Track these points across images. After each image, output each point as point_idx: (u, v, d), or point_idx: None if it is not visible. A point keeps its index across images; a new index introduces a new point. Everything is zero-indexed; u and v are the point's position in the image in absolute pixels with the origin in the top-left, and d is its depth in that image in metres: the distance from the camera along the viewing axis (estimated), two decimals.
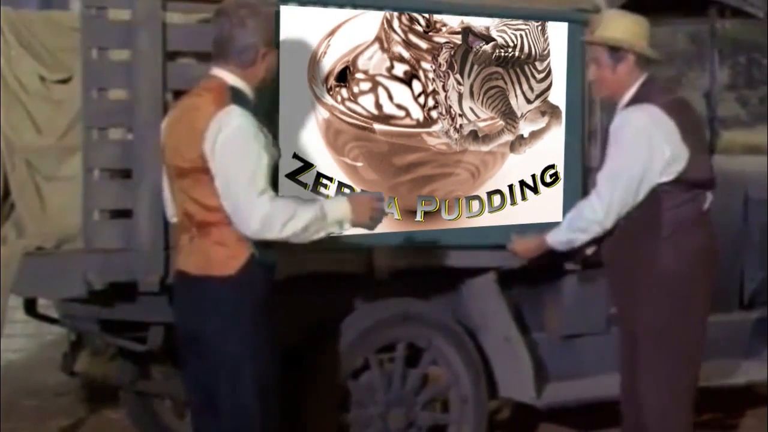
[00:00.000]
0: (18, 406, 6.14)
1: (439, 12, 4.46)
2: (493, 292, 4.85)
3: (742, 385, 5.59)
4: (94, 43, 4.12)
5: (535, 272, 4.82)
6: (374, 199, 3.66)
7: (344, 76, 4.31)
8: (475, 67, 4.56)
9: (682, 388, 4.20)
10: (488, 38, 4.54)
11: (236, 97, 3.53)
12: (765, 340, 5.64)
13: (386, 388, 4.68)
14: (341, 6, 4.28)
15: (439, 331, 4.76)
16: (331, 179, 4.31)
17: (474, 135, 4.56)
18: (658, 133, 4.09)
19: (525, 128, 4.68)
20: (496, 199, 4.65)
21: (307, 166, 4.26)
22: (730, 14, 5.44)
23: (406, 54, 4.41)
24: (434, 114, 4.47)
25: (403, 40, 4.40)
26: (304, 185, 4.25)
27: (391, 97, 4.40)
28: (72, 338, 5.12)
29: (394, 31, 4.38)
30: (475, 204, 4.62)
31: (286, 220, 3.45)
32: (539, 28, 4.65)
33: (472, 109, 4.55)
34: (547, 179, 4.72)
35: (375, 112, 4.37)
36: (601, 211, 4.12)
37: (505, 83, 4.63)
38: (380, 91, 4.38)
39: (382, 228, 4.30)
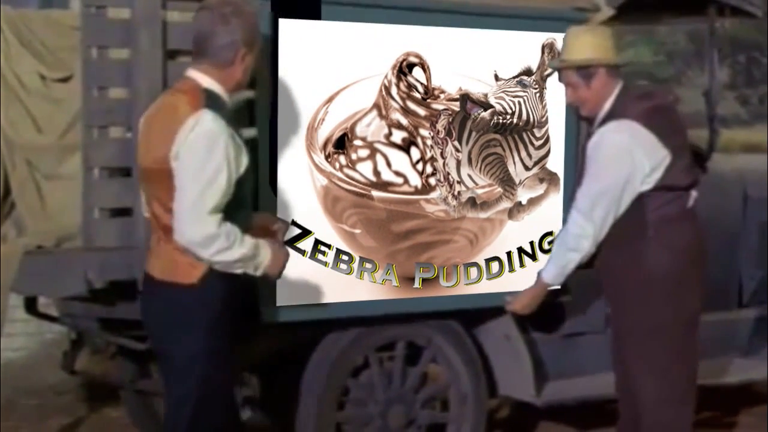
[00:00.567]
0: (18, 404, 6.15)
1: (440, 11, 4.45)
2: None
3: (742, 384, 5.60)
4: (94, 41, 4.13)
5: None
6: (287, 257, 3.70)
7: (342, 142, 4.30)
8: (474, 134, 4.55)
9: (677, 385, 4.21)
10: (486, 105, 4.54)
11: (210, 100, 3.49)
12: (764, 339, 5.65)
13: (386, 387, 4.68)
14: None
15: (439, 330, 4.76)
16: (329, 246, 4.30)
17: (472, 202, 4.56)
18: (637, 150, 4.09)
19: (523, 195, 4.68)
20: (495, 266, 4.65)
21: (306, 233, 4.26)
22: (729, 13, 5.44)
23: (404, 121, 4.40)
24: (432, 181, 4.47)
25: (401, 106, 4.39)
26: (303, 252, 4.25)
27: (389, 164, 4.39)
28: (72, 337, 5.12)
29: (392, 98, 4.37)
30: (474, 271, 4.62)
31: (223, 248, 3.42)
32: (537, 94, 4.66)
33: (470, 176, 4.55)
34: (546, 246, 4.71)
35: (373, 179, 4.36)
36: (587, 225, 4.09)
37: (504, 150, 4.62)
38: (378, 158, 4.37)
39: (381, 295, 4.40)
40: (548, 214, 4.74)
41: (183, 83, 3.59)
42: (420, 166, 4.45)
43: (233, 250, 3.45)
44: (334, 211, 4.31)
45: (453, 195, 4.51)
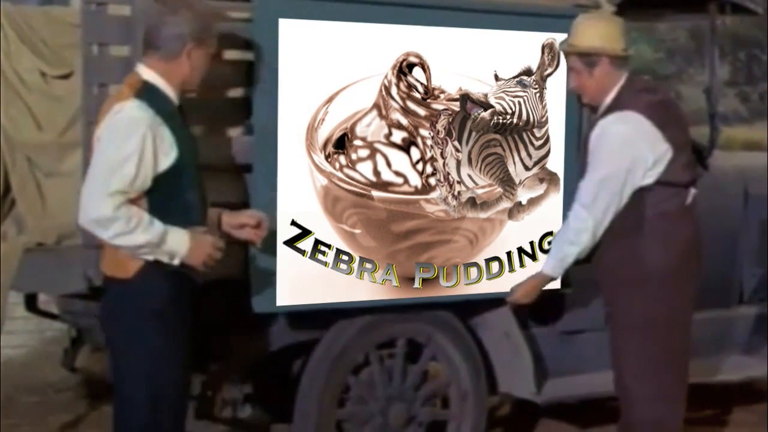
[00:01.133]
0: (18, 402, 6.15)
1: (441, 7, 4.45)
2: None
3: (742, 382, 5.60)
4: (94, 38, 4.12)
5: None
6: (215, 247, 3.62)
7: (342, 143, 4.29)
8: (473, 134, 4.54)
9: (667, 382, 4.21)
10: (486, 105, 4.53)
11: (145, 92, 3.51)
12: (764, 337, 5.65)
13: (386, 384, 4.68)
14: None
15: (439, 327, 4.76)
16: (329, 246, 4.30)
17: (472, 202, 4.55)
18: (641, 143, 4.09)
19: (523, 195, 4.68)
20: (495, 266, 4.65)
21: (306, 233, 4.26)
22: (730, 10, 5.44)
23: (404, 121, 4.40)
24: (432, 181, 4.46)
25: (402, 107, 4.39)
26: (302, 252, 4.25)
27: (389, 164, 4.38)
28: (72, 334, 5.13)
29: (392, 98, 4.37)
30: (474, 271, 4.61)
31: (120, 232, 3.41)
32: (537, 94, 4.65)
33: (470, 176, 4.54)
34: (546, 246, 4.70)
35: (373, 179, 4.35)
36: (588, 218, 4.09)
37: (504, 150, 4.61)
38: (378, 158, 4.36)
39: (381, 295, 4.39)
40: (548, 214, 4.74)
41: (129, 76, 3.62)
42: (420, 166, 4.44)
43: (135, 235, 3.42)
44: (334, 211, 4.31)
45: (453, 195, 4.51)
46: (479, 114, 4.52)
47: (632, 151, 4.08)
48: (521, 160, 4.65)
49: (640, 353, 4.18)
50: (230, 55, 4.25)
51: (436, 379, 4.90)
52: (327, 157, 4.27)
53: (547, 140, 4.71)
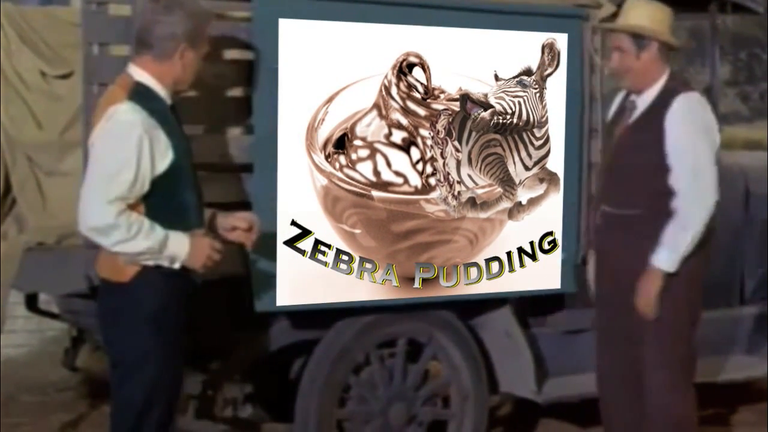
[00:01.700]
0: (19, 401, 6.15)
1: (441, 7, 4.45)
2: None
3: (742, 381, 5.60)
4: (94, 38, 4.11)
5: None
6: (214, 249, 3.60)
7: (342, 142, 4.29)
8: (473, 134, 4.53)
9: (687, 375, 4.27)
10: (486, 105, 4.53)
11: (138, 93, 3.48)
12: (765, 336, 5.64)
13: (387, 384, 4.68)
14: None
15: (440, 327, 4.76)
16: (329, 246, 4.30)
17: (472, 202, 4.55)
18: (714, 125, 4.18)
19: (523, 195, 4.67)
20: (495, 266, 4.64)
21: (306, 233, 4.25)
22: (730, 10, 5.44)
23: (404, 121, 4.40)
24: (432, 181, 4.46)
25: (401, 107, 4.39)
26: (303, 252, 4.25)
27: (389, 164, 4.38)
28: (73, 334, 5.13)
29: (392, 98, 4.37)
30: (474, 271, 4.61)
31: (122, 239, 3.40)
32: (537, 94, 4.65)
33: (470, 176, 4.54)
34: (546, 246, 4.72)
35: (373, 179, 4.35)
36: (709, 196, 4.12)
37: (504, 150, 4.61)
38: (378, 158, 4.36)
39: (382, 295, 4.38)
40: (548, 214, 4.73)
41: (120, 77, 3.59)
42: (420, 166, 4.44)
43: (136, 241, 3.41)
44: (334, 211, 4.30)
45: (453, 195, 4.50)
46: (479, 114, 4.51)
47: (714, 131, 4.15)
48: (521, 160, 4.65)
49: (666, 349, 4.23)
50: (230, 54, 4.25)
51: (436, 378, 4.89)
52: (327, 157, 4.27)
53: (547, 140, 4.71)
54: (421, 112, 4.43)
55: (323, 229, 4.29)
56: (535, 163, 4.69)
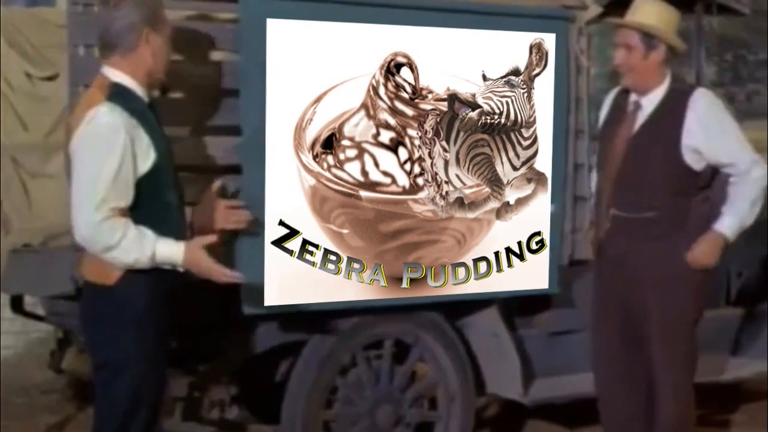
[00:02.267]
0: (5, 403, 6.12)
1: (429, 8, 4.44)
2: None
3: (730, 382, 5.60)
4: (80, 39, 4.09)
5: None
6: (205, 245, 3.54)
7: (330, 142, 4.29)
8: (461, 134, 4.52)
9: (691, 374, 4.37)
10: (474, 105, 4.52)
11: (117, 94, 3.45)
12: (751, 337, 5.66)
13: (374, 385, 4.68)
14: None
15: (427, 328, 4.76)
16: (317, 246, 4.29)
17: (460, 202, 4.54)
18: None
19: (511, 195, 4.67)
20: (482, 266, 4.64)
21: (293, 233, 4.24)
22: (716, 11, 5.44)
23: (392, 121, 4.39)
24: (420, 181, 4.45)
25: (389, 107, 4.38)
26: (290, 252, 4.24)
27: (377, 164, 4.38)
28: (59, 335, 5.11)
29: (380, 98, 4.36)
30: (462, 271, 4.61)
31: (108, 246, 3.37)
32: (525, 95, 4.65)
33: (458, 176, 4.53)
34: (533, 246, 4.72)
35: (361, 179, 4.35)
36: (762, 163, 4.20)
37: (491, 150, 4.60)
38: (366, 158, 4.35)
39: (369, 295, 4.38)
40: (536, 214, 4.73)
41: (96, 79, 3.55)
42: (408, 166, 4.43)
43: (120, 250, 3.38)
44: (321, 211, 4.30)
45: (441, 195, 4.50)
46: (467, 114, 4.51)
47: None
48: (509, 160, 4.65)
49: (674, 347, 4.28)
50: (217, 55, 4.24)
51: (423, 380, 4.89)
52: (315, 157, 4.26)
53: (534, 140, 4.71)
54: (409, 112, 4.42)
55: (311, 229, 4.28)
56: (523, 163, 4.69)
